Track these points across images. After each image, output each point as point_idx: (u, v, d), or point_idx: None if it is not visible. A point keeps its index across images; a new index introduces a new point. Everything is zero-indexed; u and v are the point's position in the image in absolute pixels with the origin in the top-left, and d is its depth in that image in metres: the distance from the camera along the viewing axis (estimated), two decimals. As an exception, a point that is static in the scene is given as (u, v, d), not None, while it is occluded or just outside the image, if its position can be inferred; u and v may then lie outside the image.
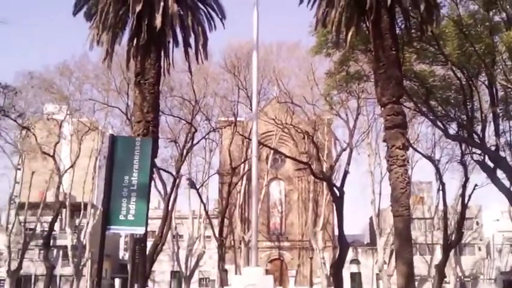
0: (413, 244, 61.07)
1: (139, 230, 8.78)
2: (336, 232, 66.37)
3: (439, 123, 32.33)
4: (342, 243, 36.45)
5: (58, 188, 41.57)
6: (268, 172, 59.96)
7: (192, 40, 21.79)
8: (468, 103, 32.08)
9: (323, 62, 37.26)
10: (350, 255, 52.01)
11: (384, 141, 26.35)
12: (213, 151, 54.59)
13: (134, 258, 21.37)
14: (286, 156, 38.75)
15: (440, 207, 55.53)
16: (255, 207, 13.94)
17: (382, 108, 25.84)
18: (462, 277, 60.94)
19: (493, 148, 32.48)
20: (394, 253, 56.42)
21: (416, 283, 57.87)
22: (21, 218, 52.20)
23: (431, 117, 32.47)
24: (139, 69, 21.86)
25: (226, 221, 41.49)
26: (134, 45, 21.38)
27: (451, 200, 50.47)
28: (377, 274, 62.57)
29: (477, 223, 64.80)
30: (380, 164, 56.72)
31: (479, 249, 64.90)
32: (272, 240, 63.97)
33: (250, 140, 36.58)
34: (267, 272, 65.87)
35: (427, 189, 65.76)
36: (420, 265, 62.61)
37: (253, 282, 13.54)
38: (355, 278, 61.50)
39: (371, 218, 74.45)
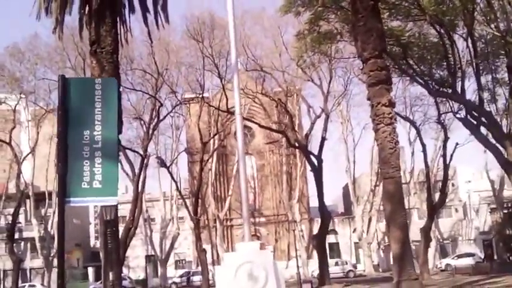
0: (390, 210, 61.00)
1: (110, 200, 6.63)
2: (312, 204, 65.67)
3: (420, 80, 30.83)
4: (324, 213, 35.04)
5: (18, 176, 38.81)
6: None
7: (149, 3, 19.56)
8: (449, 58, 30.69)
9: (290, 27, 35.50)
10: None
11: (368, 99, 24.61)
12: (180, 129, 52.38)
13: (106, 244, 19.22)
14: (261, 126, 36.87)
15: (415, 171, 54.91)
16: (243, 173, 11.93)
17: (364, 64, 24.17)
18: (441, 240, 60.52)
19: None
20: (372, 221, 56.22)
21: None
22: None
23: (411, 74, 30.89)
24: (94, 37, 19.52)
25: (199, 201, 39.36)
26: (87, 12, 19.06)
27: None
28: (355, 243, 61.88)
29: (453, 184, 64.22)
30: (352, 132, 55.68)
31: (456, 210, 64.61)
32: (247, 216, 62.19)
33: (222, 111, 34.78)
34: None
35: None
36: (398, 231, 62.09)
37: (249, 259, 11.29)
38: (334, 248, 60.38)
39: (345, 188, 73.61)
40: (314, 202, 63.64)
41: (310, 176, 61.48)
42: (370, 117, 26.06)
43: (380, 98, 23.21)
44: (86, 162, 6.59)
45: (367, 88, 24.39)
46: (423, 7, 27.71)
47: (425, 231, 36.43)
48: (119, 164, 29.71)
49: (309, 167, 42.15)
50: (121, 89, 26.30)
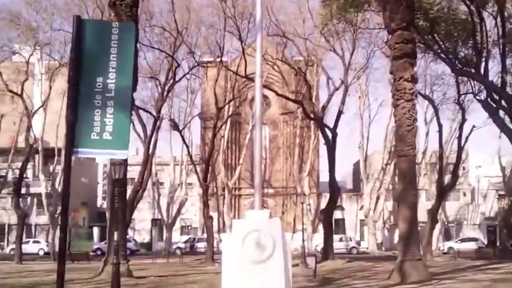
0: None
1: (120, 154, 6.17)
2: (322, 178, 65.25)
3: (444, 58, 29.93)
4: (334, 188, 34.60)
5: (28, 130, 38.47)
6: (253, 116, 57.43)
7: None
8: (477, 36, 29.71)
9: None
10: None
11: (391, 72, 23.94)
12: (196, 92, 51.84)
13: (113, 204, 18.98)
14: (278, 95, 36.15)
15: (428, 152, 54.17)
16: (259, 139, 11.26)
17: (390, 36, 23.41)
18: (446, 222, 60.08)
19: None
20: (380, 199, 55.77)
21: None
22: (-9, 164, 49.35)
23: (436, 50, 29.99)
24: (114, -12, 19.08)
25: (209, 168, 38.98)
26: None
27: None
28: (361, 220, 61.66)
29: (463, 168, 63.44)
30: (369, 107, 54.87)
31: (464, 194, 64.01)
32: (256, 187, 62.02)
33: (240, 76, 34.09)
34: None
35: (412, 135, 63.94)
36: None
37: (258, 227, 10.75)
38: (339, 223, 60.16)
39: (355, 164, 73.11)
40: (323, 177, 63.51)
41: (322, 150, 61.25)
42: (390, 91, 25.54)
43: (403, 73, 22.61)
44: (97, 112, 6.12)
45: (391, 61, 23.76)
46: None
47: (433, 213, 35.99)
48: (131, 124, 29.46)
49: (322, 141, 41.73)
50: (138, 46, 25.74)
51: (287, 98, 39.09)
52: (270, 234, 11.07)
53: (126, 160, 18.22)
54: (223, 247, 11.81)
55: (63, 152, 52.48)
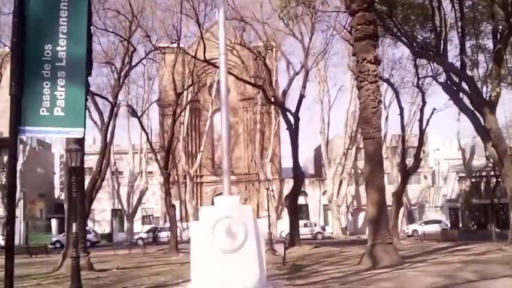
0: (360, 174, 60.99)
1: (75, 132, 5.45)
2: (283, 165, 65.08)
3: (405, 40, 29.83)
4: (297, 173, 34.21)
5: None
6: (212, 103, 56.66)
7: None
8: (435, 19, 29.78)
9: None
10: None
11: (354, 54, 23.69)
12: (153, 79, 50.66)
13: (71, 193, 18.01)
14: (239, 79, 35.33)
15: (388, 136, 54.52)
16: (225, 120, 10.77)
17: (351, 18, 23.10)
18: (409, 205, 60.83)
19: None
20: (342, 183, 55.91)
21: (363, 213, 57.41)
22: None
23: (395, 33, 29.85)
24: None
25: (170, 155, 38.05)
26: None
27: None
28: (324, 205, 61.83)
29: (423, 151, 64.29)
30: (328, 93, 54.82)
31: (425, 177, 64.85)
32: (218, 174, 61.39)
33: (199, 59, 33.20)
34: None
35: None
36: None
37: (228, 214, 10.16)
38: (303, 209, 60.11)
39: (316, 149, 73.25)
40: (285, 163, 63.43)
41: (283, 136, 61.10)
42: (353, 73, 25.35)
43: (366, 54, 22.30)
44: (46, 84, 5.37)
45: (353, 43, 23.45)
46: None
47: (397, 196, 36.09)
48: (87, 111, 28.22)
49: (283, 126, 41.22)
50: (92, 30, 24.58)
51: (248, 82, 38.37)
52: (242, 221, 10.45)
53: (82, 143, 17.32)
54: (191, 236, 11.13)
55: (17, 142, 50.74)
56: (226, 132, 11.54)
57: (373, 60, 21.96)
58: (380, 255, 19.53)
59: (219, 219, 10.47)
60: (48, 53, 5.29)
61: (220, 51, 11.32)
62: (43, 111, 5.25)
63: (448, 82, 31.85)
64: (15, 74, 5.15)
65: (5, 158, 49.22)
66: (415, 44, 30.76)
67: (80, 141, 16.97)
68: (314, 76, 50.42)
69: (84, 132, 5.38)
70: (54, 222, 56.78)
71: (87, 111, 17.10)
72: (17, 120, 5.12)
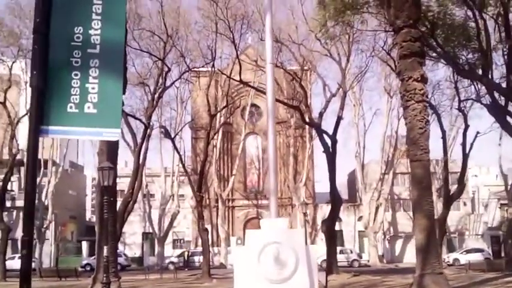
0: (397, 200, 59.01)
1: (109, 134, 4.46)
2: (317, 189, 63.64)
3: (448, 61, 28.57)
4: (335, 197, 32.90)
5: (11, 139, 36.46)
6: (245, 126, 55.87)
7: None
8: (480, 38, 28.50)
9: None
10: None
11: (398, 73, 22.54)
12: (185, 101, 50.20)
13: (102, 214, 17.18)
14: (277, 100, 34.38)
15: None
16: (272, 135, 9.63)
17: (396, 35, 22.03)
18: (448, 233, 58.48)
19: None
20: (378, 209, 54.17)
21: (400, 241, 55.43)
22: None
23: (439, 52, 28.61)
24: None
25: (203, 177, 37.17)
26: None
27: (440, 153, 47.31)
28: (359, 231, 60.03)
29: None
30: (364, 116, 53.53)
31: (465, 204, 62.49)
32: (250, 198, 60.29)
33: (235, 80, 32.47)
34: (245, 232, 61.72)
35: (409, 143, 62.43)
36: (404, 222, 60.14)
37: (276, 239, 8.84)
38: (337, 235, 58.39)
39: (350, 174, 71.61)
40: (318, 187, 62.04)
41: (316, 159, 59.82)
42: (399, 92, 24.07)
43: (412, 72, 21.05)
44: (76, 75, 4.42)
45: (398, 61, 22.20)
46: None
47: (440, 223, 34.33)
48: (120, 131, 27.62)
49: (317, 149, 40.20)
50: (127, 51, 24.05)
51: (285, 103, 37.46)
52: (292, 247, 9.24)
53: (115, 161, 16.48)
54: (234, 262, 10.01)
55: (49, 164, 50.79)
56: (273, 151, 10.52)
57: (419, 79, 20.73)
58: (430, 286, 18.05)
59: (266, 245, 9.33)
60: (78, 37, 4.37)
61: (267, 60, 10.39)
62: (71, 107, 4.31)
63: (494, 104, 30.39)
64: (37, 61, 4.22)
65: (38, 180, 49.24)
66: (459, 65, 29.47)
67: (113, 159, 16.17)
68: (349, 99, 49.26)
69: (119, 134, 4.39)
70: (84, 245, 56.29)
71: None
72: (39, 118, 4.19)
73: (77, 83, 4.30)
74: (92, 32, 4.35)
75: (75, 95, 4.28)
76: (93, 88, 4.31)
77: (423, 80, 21.36)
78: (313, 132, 54.05)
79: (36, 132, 4.11)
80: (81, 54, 4.32)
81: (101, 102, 4.30)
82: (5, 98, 34.87)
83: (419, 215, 20.45)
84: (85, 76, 4.32)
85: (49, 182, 49.40)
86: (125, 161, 59.94)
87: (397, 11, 21.22)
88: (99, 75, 4.33)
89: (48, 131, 4.19)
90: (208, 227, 49.73)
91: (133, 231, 57.23)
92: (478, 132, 36.36)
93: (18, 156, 39.36)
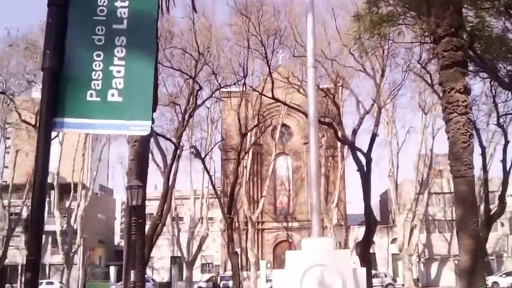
0: (432, 221, 57.14)
1: (139, 128, 3.59)
2: (348, 211, 62.17)
3: (489, 73, 27.45)
4: (370, 219, 31.65)
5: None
6: (275, 146, 54.96)
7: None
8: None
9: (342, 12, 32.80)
10: (361, 234, 47.15)
11: (440, 84, 21.50)
12: (216, 122, 49.62)
13: (130, 235, 16.38)
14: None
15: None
16: (315, 148, 8.72)
17: (436, 44, 21.08)
18: (486, 255, 56.27)
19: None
20: (413, 230, 52.44)
21: (436, 263, 53.49)
22: (5, 201, 47.21)
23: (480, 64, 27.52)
24: None
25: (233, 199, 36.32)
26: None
27: (478, 171, 45.61)
28: (393, 254, 58.25)
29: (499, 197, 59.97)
30: (396, 135, 52.21)
31: (502, 224, 60.14)
32: (279, 220, 59.15)
33: (268, 97, 31.74)
34: (275, 256, 60.94)
35: (443, 162, 60.71)
36: (439, 243, 58.21)
37: (320, 261, 7.79)
38: (370, 258, 56.74)
39: (382, 195, 69.91)
40: (349, 209, 60.60)
41: (348, 180, 58.52)
42: (441, 104, 22.95)
43: (454, 83, 19.94)
44: (98, 55, 3.57)
45: (439, 72, 21.20)
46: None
47: (482, 244, 32.76)
48: (150, 153, 26.91)
49: (349, 170, 38.88)
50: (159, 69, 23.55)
51: (318, 121, 36.49)
52: (337, 269, 8.28)
53: (145, 179, 15.68)
54: (274, 287, 9.11)
55: (79, 187, 50.59)
56: (315, 162, 9.68)
57: (462, 90, 19.60)
58: (477, 310, 16.71)
59: (309, 268, 8.39)
60: (102, 10, 3.56)
61: (309, 64, 9.67)
62: (91, 95, 3.48)
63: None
64: (52, 38, 3.42)
65: (67, 204, 49.02)
66: (501, 77, 28.34)
67: (143, 178, 15.42)
68: (382, 117, 48.07)
69: (152, 130, 3.54)
70: (112, 270, 55.60)
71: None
72: (51, 108, 3.36)
73: (99, 66, 3.48)
74: (118, 3, 3.54)
75: (96, 79, 3.46)
76: (118, 72, 3.48)
77: (466, 91, 20.25)
78: (345, 151, 52.99)
79: (48, 126, 3.28)
80: (104, 31, 3.51)
81: (128, 89, 3.47)
82: (36, 120, 34.90)
83: (464, 235, 19.16)
84: (109, 57, 3.50)
85: (78, 205, 49.13)
86: (155, 184, 59.52)
87: (438, 19, 20.26)
88: (127, 55, 3.50)
89: (63, 124, 3.36)
90: (238, 250, 48.73)
91: (161, 255, 56.50)
92: (520, 149, 34.91)
93: (49, 180, 39.19)
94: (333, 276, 8.39)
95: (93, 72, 3.46)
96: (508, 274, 49.31)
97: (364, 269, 9.31)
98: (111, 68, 3.48)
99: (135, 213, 14.14)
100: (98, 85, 3.44)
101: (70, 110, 3.38)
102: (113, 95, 3.45)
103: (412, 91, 47.27)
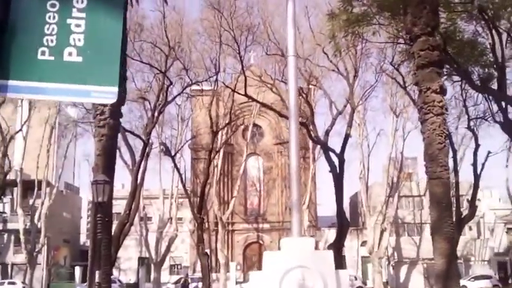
0: (401, 224, 57.36)
1: (102, 95, 2.93)
2: (319, 213, 62.02)
3: (462, 75, 27.47)
4: (342, 221, 31.39)
5: (3, 157, 34.92)
6: (246, 147, 54.40)
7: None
8: (494, 52, 27.44)
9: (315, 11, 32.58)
10: (332, 237, 46.81)
11: (416, 84, 21.25)
12: (187, 121, 48.78)
13: (95, 234, 15.60)
14: (281, 115, 33.17)
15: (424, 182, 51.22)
16: (295, 139, 8.22)
17: (411, 44, 20.87)
18: (453, 258, 56.70)
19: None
20: (383, 233, 52.53)
21: (405, 267, 53.71)
22: None
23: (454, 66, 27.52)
24: None
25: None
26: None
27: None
28: (362, 257, 58.30)
29: (467, 200, 60.61)
30: (367, 137, 52.18)
31: (470, 228, 60.76)
32: (250, 221, 58.60)
33: (242, 94, 31.16)
34: (245, 257, 60.27)
35: (412, 165, 61.10)
36: (408, 246, 58.42)
37: (300, 263, 7.27)
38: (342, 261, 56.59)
39: (352, 198, 69.95)
40: (320, 211, 60.43)
41: (319, 182, 58.33)
42: (416, 105, 22.85)
43: (430, 83, 19.69)
44: (53, 5, 2.96)
45: (415, 71, 20.95)
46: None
47: (453, 247, 32.79)
48: (118, 150, 26.02)
49: (320, 172, 38.61)
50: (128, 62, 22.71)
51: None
52: (319, 271, 7.82)
53: (112, 174, 14.92)
54: (251, 290, 8.59)
55: (43, 184, 49.11)
56: (296, 159, 9.24)
57: (438, 90, 19.41)
58: (453, 314, 16.48)
59: (289, 270, 7.86)
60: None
61: (289, 52, 9.18)
62: (43, 52, 2.86)
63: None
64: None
65: (31, 201, 47.51)
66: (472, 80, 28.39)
67: (110, 174, 14.65)
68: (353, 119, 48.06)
69: (122, 98, 2.93)
70: (78, 270, 54.23)
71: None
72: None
73: (53, 18, 2.87)
74: None
75: (50, 34, 2.84)
76: (77, 26, 2.87)
77: (442, 91, 20.03)
78: (316, 153, 52.76)
79: (-13, 88, 2.65)
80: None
81: (89, 47, 2.86)
82: (-3, 112, 33.68)
83: (439, 237, 18.91)
84: (67, 8, 2.89)
85: (42, 203, 47.63)
86: (122, 184, 58.33)
87: (415, 18, 20.02)
88: (87, 6, 2.88)
89: (7, 87, 2.73)
90: (207, 251, 47.99)
91: (128, 256, 55.34)
92: (489, 152, 35.25)
93: (12, 177, 37.86)
94: (315, 278, 7.92)
95: (46, 26, 2.84)
96: (477, 278, 49.72)
97: (346, 271, 8.90)
98: (68, 21, 2.87)
99: (101, 210, 13.40)
100: (51, 41, 2.83)
101: (16, 71, 2.76)
102: (70, 54, 2.84)
103: (384, 93, 47.40)
